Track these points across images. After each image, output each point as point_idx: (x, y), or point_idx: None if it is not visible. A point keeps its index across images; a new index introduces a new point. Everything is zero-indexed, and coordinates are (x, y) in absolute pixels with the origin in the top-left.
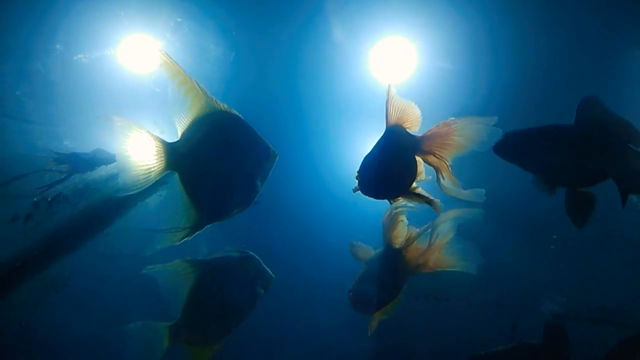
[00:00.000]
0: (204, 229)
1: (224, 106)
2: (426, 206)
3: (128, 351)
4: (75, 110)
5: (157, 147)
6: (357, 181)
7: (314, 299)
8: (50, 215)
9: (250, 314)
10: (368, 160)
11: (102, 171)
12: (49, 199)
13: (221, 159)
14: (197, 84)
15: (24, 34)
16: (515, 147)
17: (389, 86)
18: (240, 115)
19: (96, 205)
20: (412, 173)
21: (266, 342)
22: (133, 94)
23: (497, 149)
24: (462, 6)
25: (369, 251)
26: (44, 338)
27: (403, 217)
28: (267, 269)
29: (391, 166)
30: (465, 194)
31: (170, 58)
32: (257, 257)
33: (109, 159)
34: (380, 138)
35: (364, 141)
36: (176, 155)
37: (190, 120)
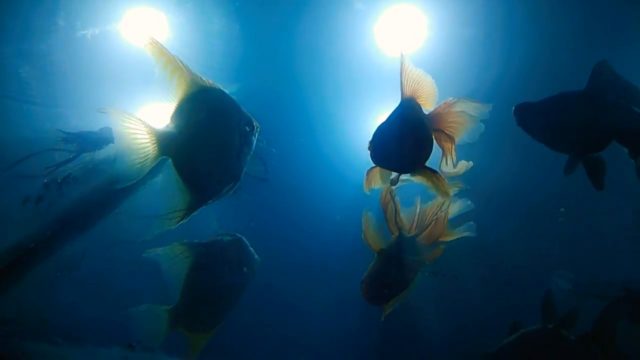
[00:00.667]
0: (198, 210)
1: (208, 82)
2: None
3: (133, 334)
4: (82, 90)
5: (149, 134)
6: (369, 151)
7: (321, 276)
8: (60, 196)
9: (241, 297)
10: (383, 130)
11: (110, 150)
12: (59, 180)
13: (211, 139)
14: (182, 62)
15: (25, 14)
16: (537, 116)
17: (402, 55)
18: (224, 89)
19: (106, 185)
20: (428, 148)
21: (274, 319)
22: (139, 69)
23: (520, 120)
24: None
25: (378, 237)
26: (59, 319)
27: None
28: (253, 252)
29: (408, 138)
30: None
31: (155, 39)
32: (245, 240)
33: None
34: (396, 109)
35: (369, 116)
36: (168, 141)
37: (178, 100)
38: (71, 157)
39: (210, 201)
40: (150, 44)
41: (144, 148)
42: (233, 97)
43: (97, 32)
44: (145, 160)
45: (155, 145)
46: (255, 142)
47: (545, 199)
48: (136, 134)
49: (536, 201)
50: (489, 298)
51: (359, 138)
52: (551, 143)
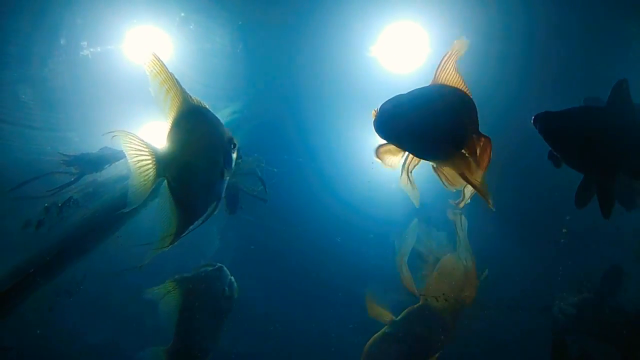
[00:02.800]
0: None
1: (197, 100)
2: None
3: None
4: (84, 112)
5: (150, 156)
6: (373, 118)
7: (320, 297)
8: (61, 220)
9: (226, 324)
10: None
11: (111, 172)
12: (60, 204)
13: (200, 159)
14: (177, 81)
15: (26, 38)
16: (559, 126)
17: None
18: (209, 107)
19: (106, 208)
20: (458, 126)
21: (273, 348)
22: (141, 87)
23: (541, 126)
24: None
25: (385, 311)
26: (58, 345)
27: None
28: (233, 281)
29: (432, 102)
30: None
31: (157, 57)
32: (225, 270)
33: (117, 156)
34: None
35: (371, 136)
36: (164, 163)
37: (172, 119)
38: (73, 179)
39: (198, 221)
40: (152, 62)
41: (145, 170)
42: (235, 115)
43: (99, 50)
44: (147, 182)
45: (155, 166)
46: (234, 159)
47: (548, 220)
48: (139, 155)
49: (538, 222)
50: (493, 323)
51: (360, 156)
52: (569, 155)
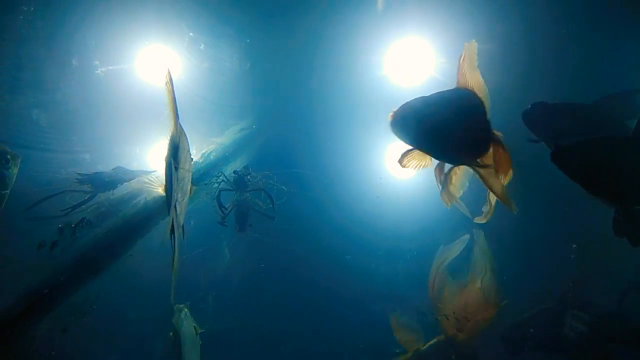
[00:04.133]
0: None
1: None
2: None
3: None
4: (97, 133)
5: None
6: (390, 119)
7: (330, 316)
8: (75, 240)
9: None
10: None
11: (124, 191)
12: (73, 225)
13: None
14: (174, 100)
15: (40, 63)
16: (579, 155)
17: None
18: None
19: (119, 227)
20: (472, 137)
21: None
22: (153, 106)
23: (558, 159)
24: (485, 13)
25: (411, 336)
26: None
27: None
28: None
29: (452, 106)
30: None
31: (171, 79)
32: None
33: (130, 175)
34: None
35: (380, 152)
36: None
37: (171, 138)
38: (86, 198)
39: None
40: (167, 82)
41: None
42: (243, 132)
43: (111, 68)
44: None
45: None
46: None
47: (557, 235)
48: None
49: (548, 237)
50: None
51: (369, 171)
52: (590, 186)
